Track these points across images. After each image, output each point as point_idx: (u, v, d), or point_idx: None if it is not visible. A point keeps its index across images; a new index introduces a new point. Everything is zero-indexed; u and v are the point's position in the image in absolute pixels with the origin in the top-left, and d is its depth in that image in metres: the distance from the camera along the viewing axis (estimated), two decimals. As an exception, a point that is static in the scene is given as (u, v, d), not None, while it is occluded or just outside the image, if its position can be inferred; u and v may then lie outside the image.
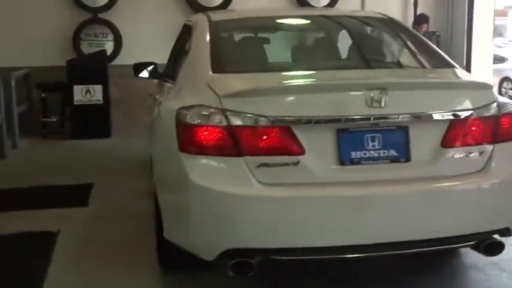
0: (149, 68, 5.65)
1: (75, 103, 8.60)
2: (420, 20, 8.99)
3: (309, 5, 9.22)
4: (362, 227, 3.00)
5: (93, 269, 4.00)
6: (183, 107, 3.20)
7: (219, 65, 3.50)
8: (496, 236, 3.25)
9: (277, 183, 2.98)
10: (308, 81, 3.30)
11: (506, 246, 3.23)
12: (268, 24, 4.29)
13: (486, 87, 3.27)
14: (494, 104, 3.21)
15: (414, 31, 4.20)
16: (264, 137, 2.99)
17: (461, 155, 3.13)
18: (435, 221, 3.07)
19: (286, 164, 2.98)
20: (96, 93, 8.64)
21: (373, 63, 3.91)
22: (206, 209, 3.03)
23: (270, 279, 3.65)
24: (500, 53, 15.37)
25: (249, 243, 3.00)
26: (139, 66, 5.72)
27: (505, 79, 14.82)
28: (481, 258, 3.90)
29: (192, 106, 3.15)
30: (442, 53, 3.89)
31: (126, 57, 8.88)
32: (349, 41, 4.11)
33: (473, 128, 3.15)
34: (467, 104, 3.16)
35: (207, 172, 3.03)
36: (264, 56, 4.01)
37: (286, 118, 2.98)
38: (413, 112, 3.08)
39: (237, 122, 2.98)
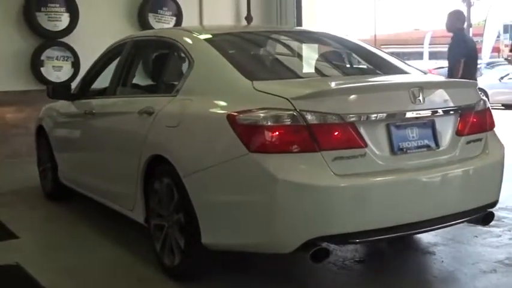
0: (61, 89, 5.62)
1: None
2: None
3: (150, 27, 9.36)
4: (416, 206, 3.48)
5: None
6: (242, 110, 3.36)
7: (251, 73, 3.71)
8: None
9: (349, 174, 3.31)
10: (363, 82, 3.70)
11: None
12: (258, 38, 4.59)
13: (476, 85, 3.99)
14: (482, 100, 3.95)
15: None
16: (336, 133, 3.31)
17: (470, 142, 3.78)
18: (459, 198, 3.67)
19: (355, 156, 3.33)
20: None
21: (376, 70, 4.45)
22: (294, 203, 3.21)
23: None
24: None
25: (330, 230, 3.27)
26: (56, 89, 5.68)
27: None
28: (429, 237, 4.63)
29: (257, 109, 3.32)
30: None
31: None
32: (335, 52, 4.61)
33: (475, 120, 3.83)
34: (469, 100, 3.84)
35: (291, 168, 3.22)
36: (282, 65, 4.29)
37: (352, 115, 3.34)
38: (438, 107, 3.66)
39: (313, 120, 3.26)
